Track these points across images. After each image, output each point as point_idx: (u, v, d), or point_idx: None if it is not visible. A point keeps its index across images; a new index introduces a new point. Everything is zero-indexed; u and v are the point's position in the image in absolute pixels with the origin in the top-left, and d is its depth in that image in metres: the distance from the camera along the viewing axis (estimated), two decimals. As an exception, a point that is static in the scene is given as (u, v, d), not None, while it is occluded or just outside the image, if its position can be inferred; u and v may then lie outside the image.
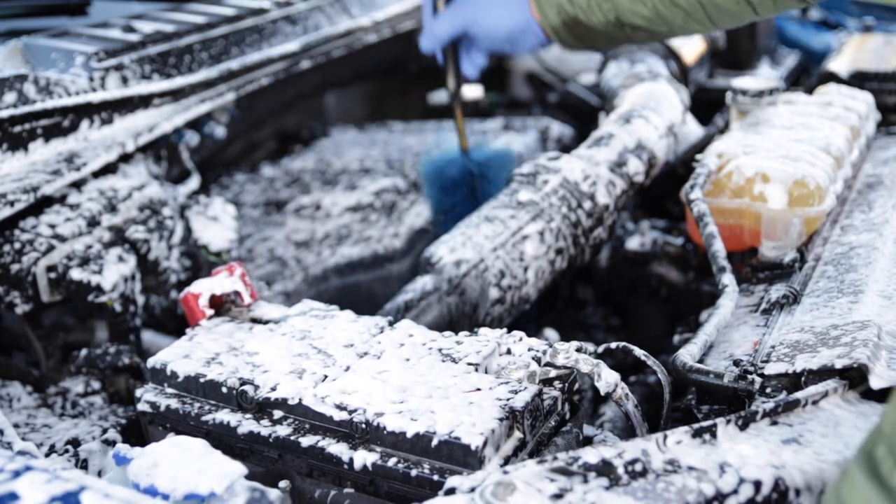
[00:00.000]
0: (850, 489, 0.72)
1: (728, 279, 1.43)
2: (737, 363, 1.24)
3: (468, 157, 1.81)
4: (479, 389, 1.07)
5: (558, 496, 0.87)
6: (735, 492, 0.91)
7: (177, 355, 1.19)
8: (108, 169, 1.61)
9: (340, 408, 1.07)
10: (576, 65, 2.89)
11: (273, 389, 1.11)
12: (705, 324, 1.35)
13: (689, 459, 0.94)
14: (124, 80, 1.69)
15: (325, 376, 1.13)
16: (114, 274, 1.46)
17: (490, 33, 1.60)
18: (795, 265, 1.51)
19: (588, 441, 1.18)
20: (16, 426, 1.30)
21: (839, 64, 2.34)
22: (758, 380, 1.19)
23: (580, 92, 2.70)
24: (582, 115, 2.64)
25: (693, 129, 2.22)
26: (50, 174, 1.47)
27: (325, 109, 2.68)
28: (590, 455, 0.92)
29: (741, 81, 1.98)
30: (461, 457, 0.99)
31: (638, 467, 0.92)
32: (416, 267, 1.68)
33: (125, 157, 1.65)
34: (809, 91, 2.11)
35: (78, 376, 1.44)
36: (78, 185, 1.54)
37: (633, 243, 2.03)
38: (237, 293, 1.31)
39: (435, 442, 1.00)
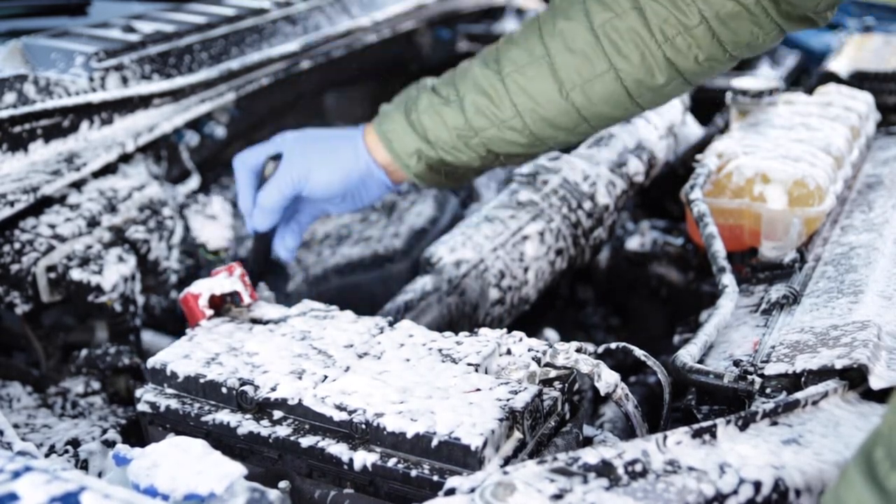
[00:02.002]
0: (848, 490, 0.72)
1: (728, 279, 1.43)
2: (737, 363, 1.24)
3: None
4: (479, 390, 1.07)
5: (558, 497, 0.87)
6: (735, 492, 0.91)
7: (177, 356, 1.19)
8: (108, 169, 1.61)
9: (340, 408, 1.07)
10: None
11: (273, 390, 1.11)
12: (705, 324, 1.35)
13: (689, 460, 0.94)
14: (124, 81, 1.69)
15: (325, 377, 1.13)
16: (114, 274, 1.46)
17: (324, 190, 1.40)
18: (795, 265, 1.51)
19: (588, 441, 1.18)
20: (16, 426, 1.30)
21: (839, 64, 2.34)
22: (758, 380, 1.19)
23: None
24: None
25: (693, 130, 2.22)
26: (50, 174, 1.47)
27: (325, 109, 2.68)
28: (590, 455, 0.92)
29: (741, 81, 1.98)
30: (461, 457, 0.99)
31: (638, 468, 0.92)
32: (416, 267, 1.68)
33: (125, 158, 1.65)
34: (809, 91, 2.11)
35: (78, 376, 1.44)
36: (78, 185, 1.54)
37: (633, 243, 2.03)
38: (237, 293, 1.31)
39: (435, 442, 1.00)
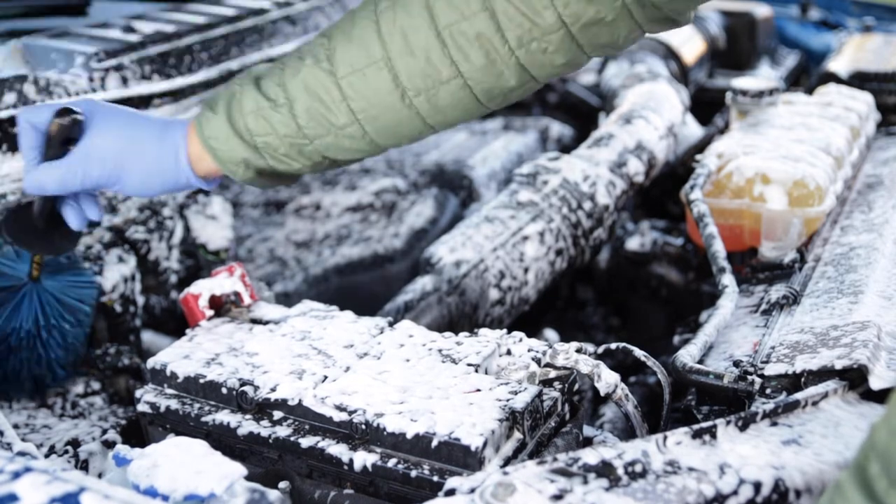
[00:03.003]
0: None
1: (728, 280, 1.43)
2: (737, 364, 1.24)
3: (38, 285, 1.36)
4: (478, 390, 1.07)
5: (558, 497, 0.87)
6: (735, 493, 0.91)
7: (177, 356, 1.19)
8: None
9: (340, 408, 1.07)
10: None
11: (273, 390, 1.11)
12: (705, 324, 1.35)
13: (689, 460, 0.94)
14: (124, 81, 1.69)
15: (325, 377, 1.13)
16: (114, 274, 1.46)
17: (132, 193, 1.23)
18: (795, 266, 1.51)
19: (588, 442, 1.18)
20: (16, 426, 1.30)
21: (839, 64, 2.34)
22: (758, 380, 1.19)
23: (580, 92, 2.70)
24: (582, 115, 2.64)
25: (693, 130, 2.22)
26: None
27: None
28: (590, 456, 0.92)
29: (741, 81, 1.98)
30: (461, 457, 0.99)
31: (638, 468, 0.92)
32: (416, 267, 1.68)
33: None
34: (809, 91, 2.11)
35: (78, 376, 1.44)
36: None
37: (633, 243, 2.03)
38: (237, 294, 1.31)
39: (435, 443, 1.00)
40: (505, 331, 1.22)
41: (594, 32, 1.11)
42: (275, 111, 1.18)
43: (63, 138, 1.18)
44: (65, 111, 1.17)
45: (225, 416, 1.13)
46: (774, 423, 1.04)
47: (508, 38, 1.11)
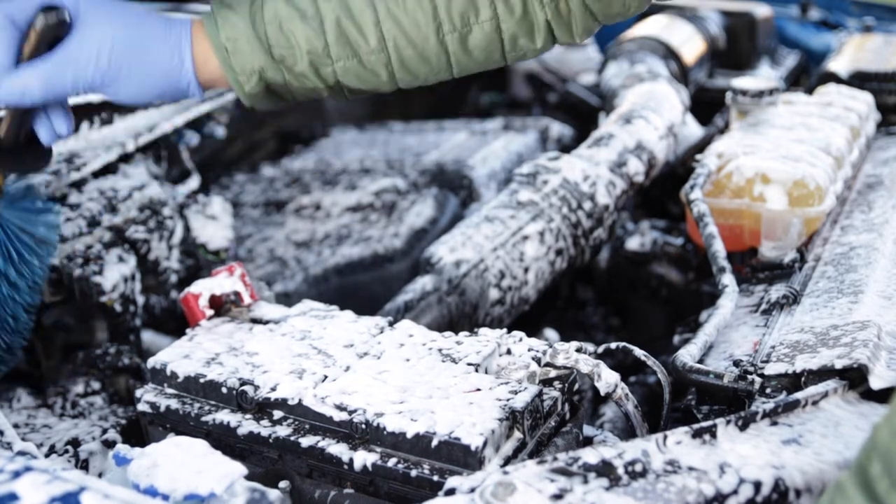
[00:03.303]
0: None
1: (728, 279, 1.43)
2: (737, 363, 1.24)
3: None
4: (479, 390, 1.07)
5: (558, 496, 0.87)
6: (735, 492, 0.91)
7: (177, 355, 1.19)
8: (108, 169, 1.61)
9: (340, 408, 1.07)
10: (576, 65, 2.90)
11: (273, 390, 1.11)
12: (705, 324, 1.35)
13: (689, 460, 0.94)
14: (124, 81, 1.69)
15: (325, 376, 1.13)
16: (114, 274, 1.46)
17: (126, 100, 1.12)
18: (795, 265, 1.51)
19: (588, 441, 1.18)
20: (16, 426, 1.30)
21: (839, 64, 2.34)
22: (758, 380, 1.19)
23: (580, 92, 2.70)
24: (582, 115, 2.64)
25: (693, 130, 2.22)
26: (50, 174, 1.47)
27: (325, 109, 2.68)
28: (590, 455, 0.92)
29: (741, 81, 1.98)
30: (461, 457, 0.99)
31: (638, 468, 0.92)
32: (416, 267, 1.68)
33: (125, 157, 1.65)
34: (809, 91, 2.11)
35: (78, 376, 1.44)
36: (78, 185, 1.54)
37: (633, 243, 2.03)
38: (237, 293, 1.31)
39: (435, 442, 1.00)
40: (505, 330, 1.22)
41: (606, 1, 1.14)
42: (302, 22, 1.10)
43: (49, 39, 1.04)
44: (50, 8, 1.03)
45: (225, 416, 1.13)
46: (774, 423, 1.04)
47: None
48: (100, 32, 1.05)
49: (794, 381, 1.17)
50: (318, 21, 1.10)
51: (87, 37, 1.05)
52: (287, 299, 1.73)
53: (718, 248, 1.49)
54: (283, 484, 1.08)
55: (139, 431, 1.24)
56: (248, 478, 0.92)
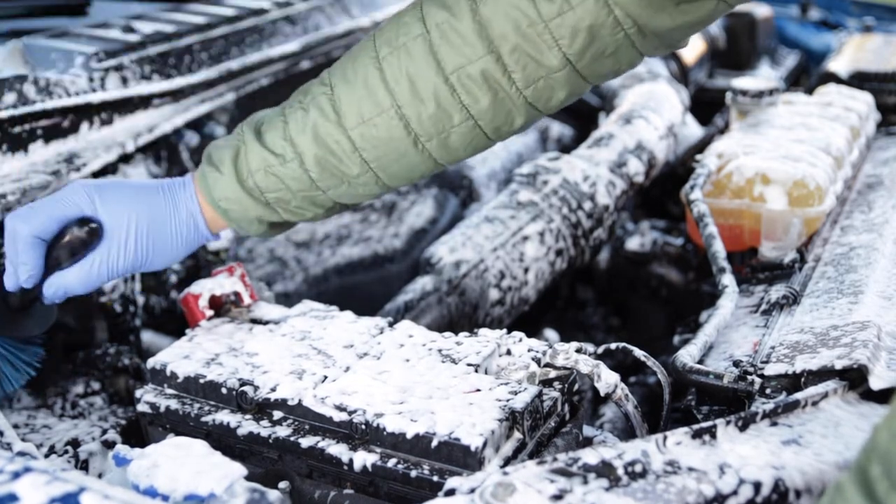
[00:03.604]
0: None
1: (728, 280, 1.43)
2: (737, 364, 1.24)
3: None
4: (478, 390, 1.07)
5: (558, 497, 0.87)
6: (735, 493, 0.91)
7: (177, 356, 1.19)
8: (108, 169, 1.61)
9: (340, 408, 1.07)
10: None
11: (273, 390, 1.11)
12: (705, 324, 1.35)
13: (688, 460, 0.94)
14: (124, 81, 1.69)
15: (325, 377, 1.13)
16: (114, 274, 1.46)
17: (156, 269, 1.24)
18: (795, 266, 1.51)
19: (588, 442, 1.18)
20: (16, 426, 1.30)
21: (839, 64, 2.34)
22: (757, 380, 1.19)
23: (580, 92, 2.70)
24: (582, 115, 2.64)
25: (693, 130, 2.22)
26: (50, 174, 1.47)
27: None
28: (589, 456, 0.92)
29: (741, 81, 1.98)
30: (461, 458, 0.99)
31: (638, 468, 0.92)
32: (416, 267, 1.68)
33: (125, 158, 1.64)
34: (809, 91, 2.11)
35: (78, 376, 1.44)
36: (78, 185, 1.54)
37: (633, 243, 2.03)
38: (237, 294, 1.31)
39: (435, 443, 1.00)
40: (505, 331, 1.22)
41: (598, 65, 1.12)
42: (284, 167, 1.16)
43: (82, 245, 1.17)
44: (82, 221, 1.16)
45: (225, 416, 1.13)
46: (774, 423, 1.04)
47: (515, 80, 1.11)
48: (126, 235, 1.17)
49: (794, 382, 1.17)
50: (299, 161, 1.16)
51: (116, 242, 1.17)
52: (287, 299, 1.73)
53: (718, 249, 1.49)
54: (283, 484, 1.08)
55: (139, 432, 1.24)
56: (248, 478, 0.92)
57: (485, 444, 0.99)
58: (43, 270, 1.17)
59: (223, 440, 1.12)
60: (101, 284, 1.19)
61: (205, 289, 1.29)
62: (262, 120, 1.20)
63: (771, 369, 1.19)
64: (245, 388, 1.12)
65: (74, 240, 1.16)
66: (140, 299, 1.54)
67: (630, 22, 1.07)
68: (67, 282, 1.17)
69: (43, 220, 1.15)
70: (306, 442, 1.07)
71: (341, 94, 1.14)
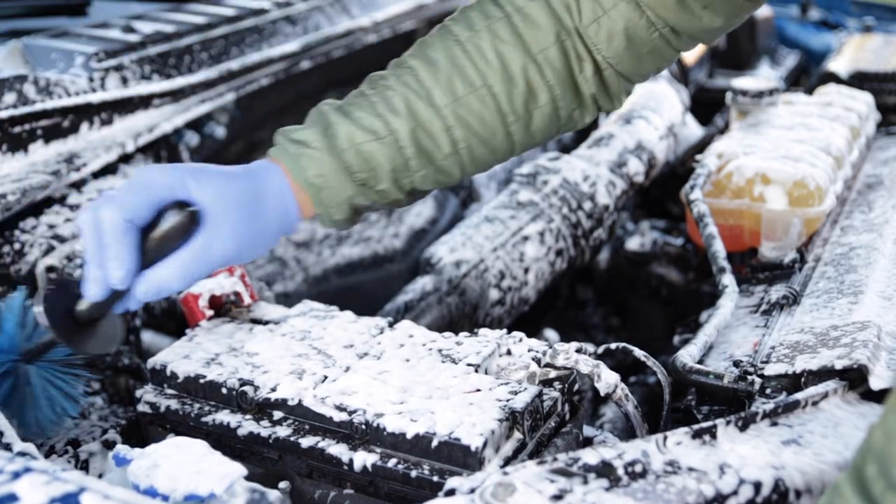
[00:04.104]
0: None
1: (728, 280, 1.43)
2: (737, 364, 1.24)
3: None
4: (478, 390, 1.07)
5: (558, 497, 0.87)
6: (735, 493, 0.91)
7: (177, 356, 1.19)
8: (108, 169, 1.61)
9: (340, 409, 1.07)
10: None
11: (273, 390, 1.11)
12: (705, 324, 1.35)
13: (689, 460, 0.94)
14: (124, 81, 1.69)
15: (325, 377, 1.13)
16: (114, 274, 1.46)
17: (247, 260, 1.12)
18: (795, 266, 1.51)
19: (588, 442, 1.18)
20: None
21: (839, 64, 2.34)
22: (758, 380, 1.19)
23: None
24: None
25: (693, 130, 2.22)
26: (50, 175, 1.47)
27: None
28: (590, 456, 0.92)
29: (741, 81, 1.98)
30: (461, 458, 0.99)
31: (638, 468, 0.92)
32: (416, 267, 1.68)
33: (125, 158, 1.65)
34: (809, 91, 2.11)
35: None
36: (78, 185, 1.54)
37: (633, 243, 2.04)
38: (237, 294, 1.31)
39: (435, 443, 1.00)
40: (505, 331, 1.22)
41: (637, 64, 1.17)
42: (380, 143, 1.11)
43: (180, 234, 1.03)
44: (179, 205, 1.03)
45: (225, 416, 1.12)
46: (774, 423, 1.04)
47: (584, 68, 1.15)
48: (228, 225, 1.06)
49: (794, 382, 1.17)
50: (394, 139, 1.12)
51: (217, 232, 1.05)
52: (287, 299, 1.73)
53: (718, 249, 1.49)
54: (283, 484, 1.08)
55: (139, 432, 1.24)
56: (248, 478, 0.92)
57: (485, 444, 0.99)
58: (137, 269, 1.02)
59: (223, 440, 1.12)
60: (199, 279, 1.07)
61: (205, 289, 1.29)
62: (336, 104, 1.15)
63: (771, 369, 1.19)
64: (245, 388, 1.12)
65: (176, 225, 1.02)
66: (140, 299, 1.53)
67: (662, 23, 1.12)
68: (164, 277, 1.04)
69: (137, 204, 1.01)
70: (306, 442, 1.07)
71: (428, 75, 1.13)
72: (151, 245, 1.02)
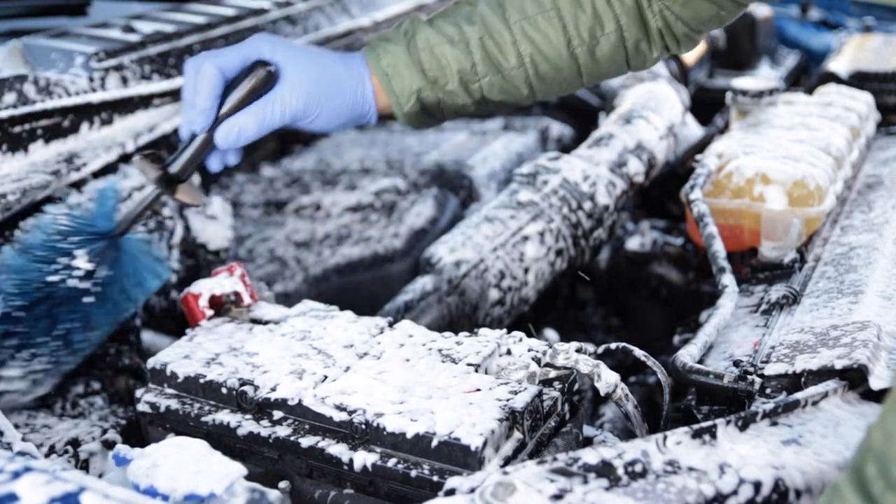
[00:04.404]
0: None
1: (728, 279, 1.43)
2: (737, 364, 1.24)
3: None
4: (478, 390, 1.07)
5: (558, 497, 0.87)
6: (735, 492, 0.91)
7: (177, 356, 1.19)
8: (108, 169, 1.61)
9: (340, 408, 1.07)
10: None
11: (273, 390, 1.11)
12: (705, 324, 1.35)
13: (689, 460, 0.94)
14: (124, 81, 1.69)
15: (325, 377, 1.13)
16: (114, 274, 1.46)
17: (324, 128, 1.28)
18: (795, 265, 1.51)
19: (588, 442, 1.18)
20: (16, 426, 1.30)
21: (839, 64, 2.34)
22: (758, 380, 1.19)
23: (580, 92, 2.70)
24: (582, 115, 2.64)
25: (693, 130, 2.22)
26: (50, 174, 1.47)
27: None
28: (590, 456, 0.92)
29: (741, 81, 1.98)
30: (461, 457, 0.99)
31: (638, 468, 0.92)
32: (416, 267, 1.68)
33: (125, 158, 1.64)
34: (809, 91, 2.11)
35: (78, 376, 1.44)
36: (78, 185, 1.54)
37: (633, 243, 2.03)
38: (237, 293, 1.31)
39: (435, 442, 1.00)
40: (505, 331, 1.22)
41: (693, 11, 1.25)
42: (450, 46, 1.26)
43: (259, 89, 1.21)
44: (260, 63, 1.21)
45: (225, 416, 1.13)
46: (774, 423, 1.04)
47: (652, 2, 1.25)
48: (301, 80, 1.22)
49: (794, 382, 1.17)
50: (465, 44, 1.26)
51: (291, 84, 1.22)
52: (287, 299, 1.73)
53: (718, 248, 1.49)
54: (283, 484, 1.08)
55: (139, 431, 1.24)
56: (248, 478, 0.92)
57: (485, 444, 0.99)
58: (216, 113, 1.20)
59: (223, 440, 1.12)
60: (272, 128, 1.21)
61: (205, 289, 1.29)
62: (424, 17, 1.31)
63: (771, 369, 1.19)
64: (245, 388, 1.12)
65: (255, 80, 1.20)
66: (140, 299, 1.54)
67: None
68: (243, 122, 1.20)
69: (228, 57, 1.21)
70: (306, 442, 1.07)
71: None
72: (233, 96, 1.21)
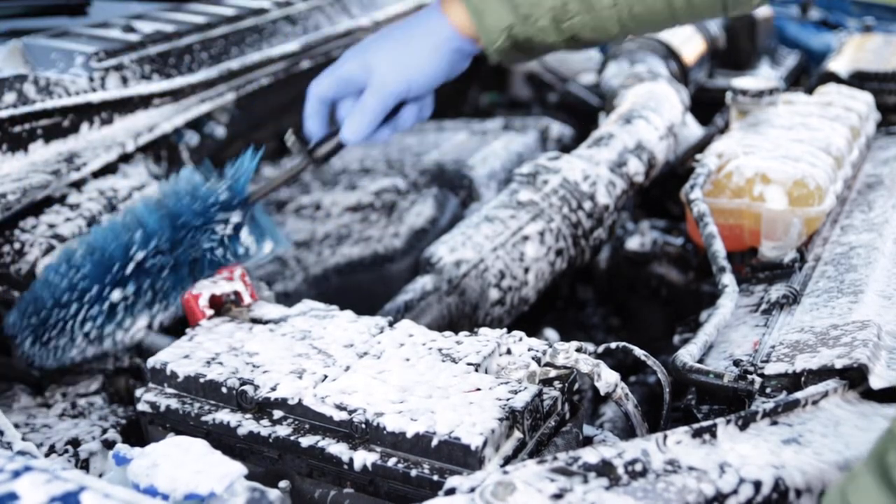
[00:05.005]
0: (858, 492, 0.72)
1: (728, 279, 1.43)
2: (737, 363, 1.24)
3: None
4: (479, 389, 1.07)
5: (558, 496, 0.87)
6: (735, 492, 0.91)
7: (177, 355, 1.19)
8: (108, 169, 1.61)
9: (340, 408, 1.07)
10: (576, 65, 2.89)
11: (273, 389, 1.11)
12: (705, 324, 1.35)
13: (689, 459, 0.94)
14: (124, 80, 1.69)
15: (325, 376, 1.13)
16: (114, 274, 1.46)
17: (428, 88, 1.34)
18: (795, 265, 1.51)
19: (588, 441, 1.18)
20: (16, 426, 1.30)
21: (839, 64, 2.34)
22: (758, 380, 1.19)
23: (580, 92, 2.70)
24: (582, 115, 2.64)
25: (693, 130, 2.22)
26: (50, 174, 1.47)
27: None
28: (590, 455, 0.92)
29: (741, 81, 1.98)
30: (461, 457, 0.99)
31: (638, 467, 0.92)
32: (416, 267, 1.68)
33: (125, 157, 1.65)
34: (809, 91, 2.11)
35: (78, 376, 1.44)
36: (78, 185, 1.54)
37: (633, 243, 2.03)
38: (237, 293, 1.32)
39: (435, 442, 1.00)
40: (505, 330, 1.22)
41: None
42: None
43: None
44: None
45: (225, 416, 1.13)
46: (774, 423, 1.04)
47: None
48: (382, 68, 1.30)
49: (794, 381, 1.17)
50: None
51: (376, 77, 1.30)
52: (287, 299, 1.73)
53: (718, 248, 1.49)
54: (283, 484, 1.08)
55: (139, 431, 1.24)
56: (248, 478, 0.92)
57: (485, 444, 0.99)
58: (326, 128, 1.36)
59: (223, 439, 1.12)
60: (385, 111, 1.31)
61: (205, 288, 1.29)
62: None
63: (771, 368, 1.19)
64: (245, 388, 1.12)
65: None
66: (140, 299, 1.53)
67: None
68: (357, 121, 1.31)
69: (321, 85, 1.34)
70: (306, 441, 1.07)
71: None
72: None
